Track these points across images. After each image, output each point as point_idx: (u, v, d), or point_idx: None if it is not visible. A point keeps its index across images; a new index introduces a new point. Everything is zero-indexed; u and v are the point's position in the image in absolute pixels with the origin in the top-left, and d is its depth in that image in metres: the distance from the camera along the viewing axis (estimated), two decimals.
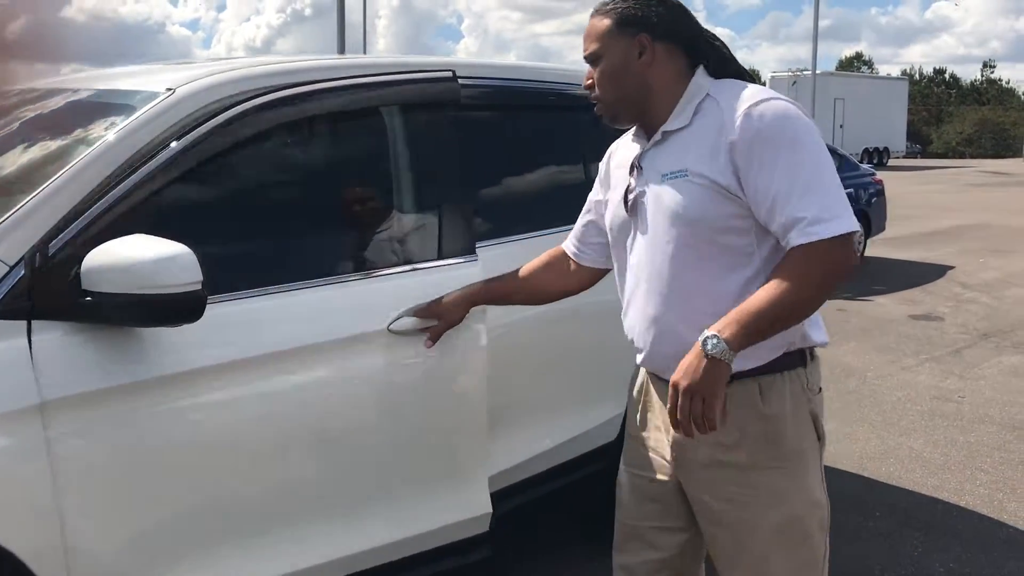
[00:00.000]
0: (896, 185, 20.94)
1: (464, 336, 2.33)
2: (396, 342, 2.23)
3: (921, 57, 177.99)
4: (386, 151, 2.41)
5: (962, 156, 51.08)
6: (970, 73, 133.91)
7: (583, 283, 2.15)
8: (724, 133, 1.67)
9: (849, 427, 4.78)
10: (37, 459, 1.72)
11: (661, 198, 1.75)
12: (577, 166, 2.98)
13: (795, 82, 32.98)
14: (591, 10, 1.87)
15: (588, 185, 2.11)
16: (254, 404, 2.04)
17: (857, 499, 3.84)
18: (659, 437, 1.90)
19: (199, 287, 1.74)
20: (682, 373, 1.61)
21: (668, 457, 1.87)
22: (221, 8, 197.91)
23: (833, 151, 11.00)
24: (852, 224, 1.62)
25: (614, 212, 1.91)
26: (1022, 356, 6.31)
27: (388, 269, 2.33)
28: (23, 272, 1.75)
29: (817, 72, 30.37)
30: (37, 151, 2.16)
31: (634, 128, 1.88)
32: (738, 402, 1.72)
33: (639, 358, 1.89)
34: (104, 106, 2.21)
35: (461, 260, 2.41)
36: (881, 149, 37.02)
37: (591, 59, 1.84)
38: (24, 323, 1.74)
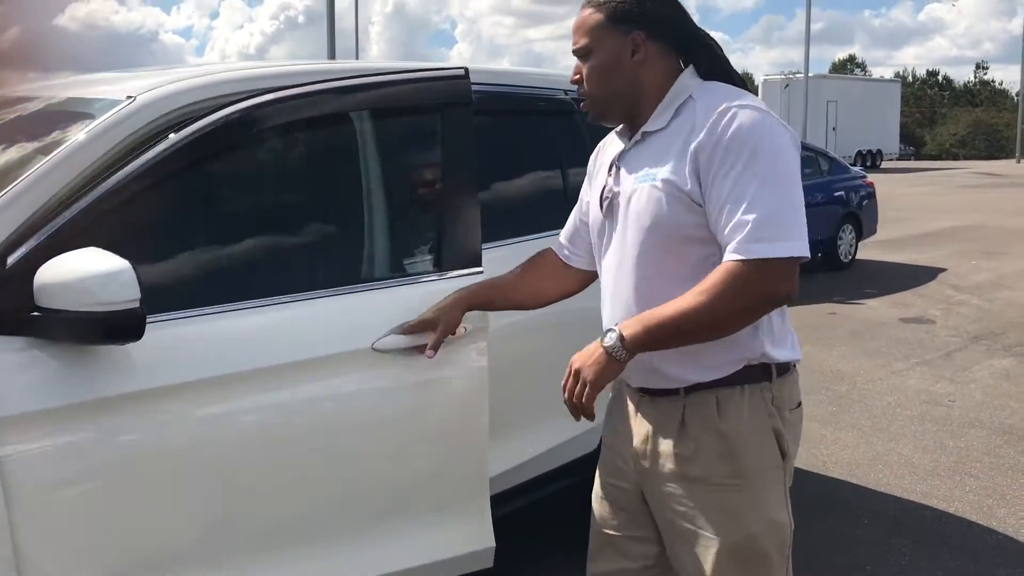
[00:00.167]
0: (888, 187, 21.00)
1: (464, 356, 2.19)
2: (380, 361, 2.08)
3: (914, 59, 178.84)
4: (355, 157, 2.34)
5: (955, 158, 51.25)
6: (963, 75, 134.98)
7: (581, 283, 2.05)
8: (692, 137, 1.61)
9: (838, 432, 4.74)
10: None
11: (631, 202, 1.70)
12: (579, 169, 2.94)
13: (787, 85, 33.04)
14: (583, 0, 1.76)
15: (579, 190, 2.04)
16: (226, 424, 1.94)
17: (846, 505, 3.80)
18: (627, 446, 1.84)
19: (137, 305, 1.67)
20: (580, 354, 1.68)
21: (634, 467, 1.82)
22: (214, 15, 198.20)
23: (823, 154, 11.00)
24: (795, 250, 1.52)
25: (593, 212, 1.85)
26: (1013, 359, 6.28)
27: (383, 281, 2.20)
28: None
29: (810, 75, 30.44)
30: None
31: (621, 125, 1.81)
32: (695, 414, 1.68)
33: None
34: (65, 114, 2.15)
35: (465, 272, 2.23)
36: (874, 151, 37.01)
37: (581, 53, 1.75)
38: None
